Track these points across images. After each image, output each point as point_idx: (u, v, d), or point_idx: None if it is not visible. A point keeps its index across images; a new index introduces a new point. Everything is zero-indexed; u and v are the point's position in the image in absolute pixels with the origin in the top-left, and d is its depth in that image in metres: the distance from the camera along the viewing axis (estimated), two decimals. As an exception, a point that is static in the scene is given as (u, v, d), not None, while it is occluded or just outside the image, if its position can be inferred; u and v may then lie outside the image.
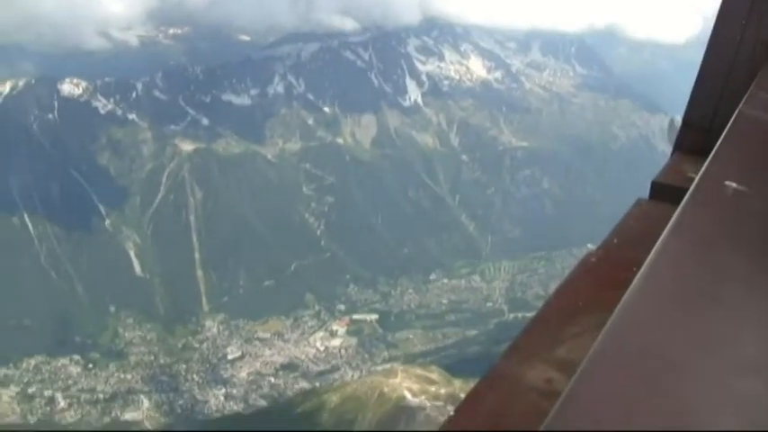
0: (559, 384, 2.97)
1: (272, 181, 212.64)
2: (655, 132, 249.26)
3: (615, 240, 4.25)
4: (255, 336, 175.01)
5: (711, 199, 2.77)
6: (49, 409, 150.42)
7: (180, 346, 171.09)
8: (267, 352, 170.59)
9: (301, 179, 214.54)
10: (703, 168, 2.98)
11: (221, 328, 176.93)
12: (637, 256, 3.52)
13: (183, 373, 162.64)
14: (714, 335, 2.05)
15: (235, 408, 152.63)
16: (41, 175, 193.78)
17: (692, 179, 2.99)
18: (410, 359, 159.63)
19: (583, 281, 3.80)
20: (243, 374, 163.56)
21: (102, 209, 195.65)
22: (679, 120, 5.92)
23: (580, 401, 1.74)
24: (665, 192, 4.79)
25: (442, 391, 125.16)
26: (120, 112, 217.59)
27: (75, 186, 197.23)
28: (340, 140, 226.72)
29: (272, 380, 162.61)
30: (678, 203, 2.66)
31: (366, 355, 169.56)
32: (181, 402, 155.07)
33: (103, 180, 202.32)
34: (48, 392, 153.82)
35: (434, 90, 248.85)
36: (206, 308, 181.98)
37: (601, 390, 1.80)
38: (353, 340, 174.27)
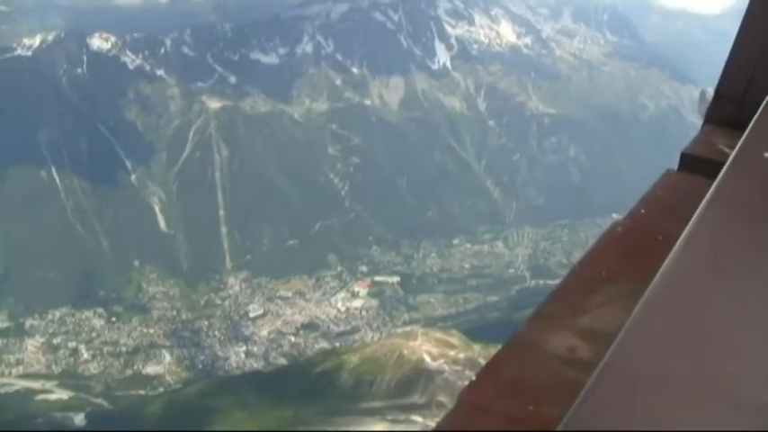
0: (582, 353, 2.95)
1: (298, 140, 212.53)
2: (684, 103, 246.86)
3: (642, 210, 4.23)
4: (277, 294, 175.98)
5: (750, 170, 2.73)
6: (72, 360, 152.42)
7: (202, 302, 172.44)
8: (288, 311, 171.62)
9: (327, 139, 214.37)
10: (742, 139, 2.95)
11: (244, 285, 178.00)
12: (664, 226, 3.50)
13: (205, 330, 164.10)
14: (753, 307, 2.00)
15: (255, 365, 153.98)
16: (69, 129, 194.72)
17: (723, 151, 2.99)
18: (430, 323, 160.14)
19: (609, 250, 3.79)
20: (264, 332, 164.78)
21: (128, 164, 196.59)
22: (711, 91, 5.86)
23: (619, 370, 1.73)
24: (694, 163, 4.75)
25: (461, 355, 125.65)
26: (148, 68, 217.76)
27: (103, 141, 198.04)
28: (367, 102, 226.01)
29: (293, 339, 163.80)
30: (708, 175, 2.63)
31: (386, 318, 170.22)
32: (202, 358, 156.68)
33: (130, 135, 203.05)
34: (72, 344, 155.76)
35: (463, 54, 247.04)
36: (229, 265, 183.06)
37: (639, 359, 1.77)
38: (374, 302, 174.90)
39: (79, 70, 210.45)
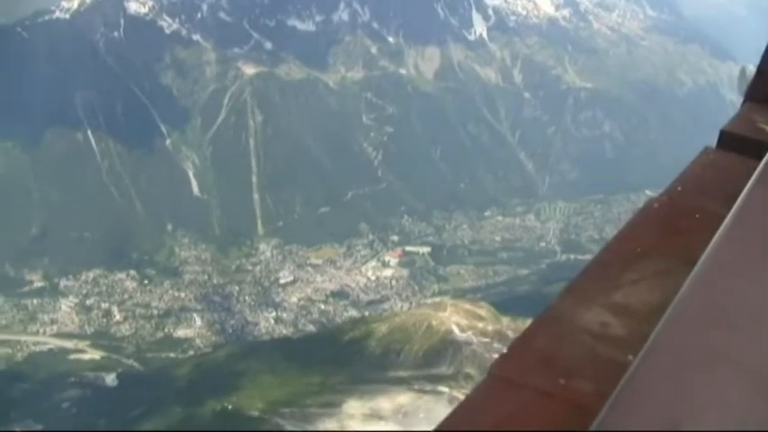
0: (615, 329, 2.92)
1: (333, 108, 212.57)
2: (723, 80, 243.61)
3: (679, 188, 4.20)
4: (308, 262, 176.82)
5: None
6: (105, 321, 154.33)
7: (233, 267, 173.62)
8: (319, 278, 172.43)
9: (362, 108, 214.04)
10: None
11: (275, 252, 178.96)
12: (702, 204, 3.49)
13: (236, 295, 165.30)
14: None
15: (284, 331, 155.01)
16: (106, 92, 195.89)
17: (764, 130, 2.93)
18: (460, 294, 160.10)
19: (644, 227, 3.77)
20: (294, 299, 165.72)
21: (163, 128, 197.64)
22: (751, 68, 5.79)
23: (666, 349, 1.72)
24: (733, 141, 4.70)
25: (490, 327, 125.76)
26: (184, 33, 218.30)
27: (138, 105, 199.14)
28: (403, 71, 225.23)
29: (322, 306, 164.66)
30: (748, 154, 2.59)
31: (416, 287, 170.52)
32: (232, 323, 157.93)
33: (166, 100, 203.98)
34: (105, 305, 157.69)
35: (500, 25, 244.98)
36: (261, 231, 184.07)
37: (686, 339, 1.75)
38: (405, 272, 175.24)
39: (116, 34, 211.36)
